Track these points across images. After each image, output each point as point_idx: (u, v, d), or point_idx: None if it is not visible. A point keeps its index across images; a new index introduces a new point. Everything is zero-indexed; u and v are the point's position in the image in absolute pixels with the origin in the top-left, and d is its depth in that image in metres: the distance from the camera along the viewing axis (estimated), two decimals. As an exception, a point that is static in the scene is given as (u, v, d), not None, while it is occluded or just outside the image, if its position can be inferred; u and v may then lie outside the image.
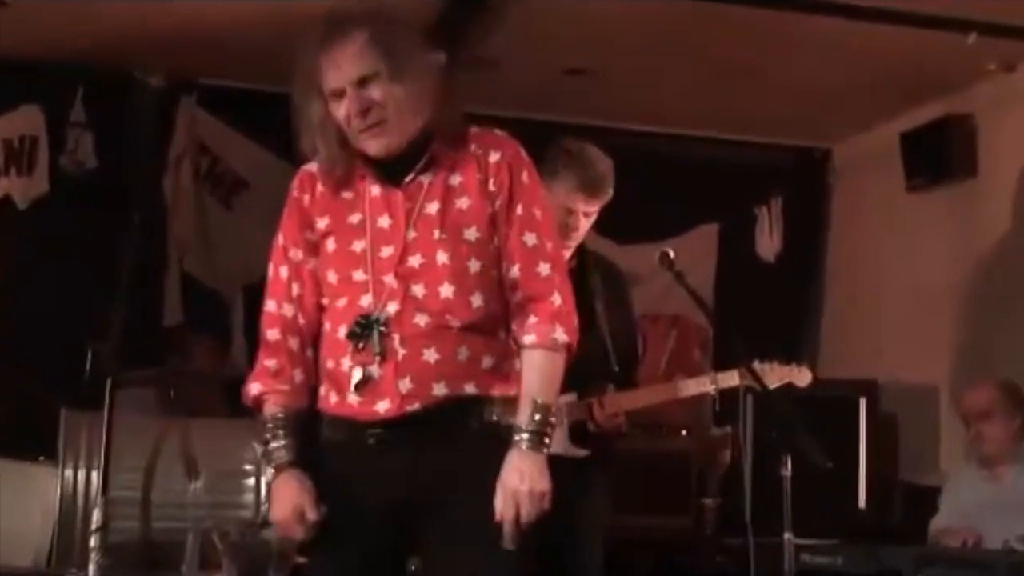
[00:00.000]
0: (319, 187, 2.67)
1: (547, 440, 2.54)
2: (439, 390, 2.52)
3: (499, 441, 2.54)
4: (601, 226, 3.96)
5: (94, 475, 3.30)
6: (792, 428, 3.11)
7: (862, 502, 5.65)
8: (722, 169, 6.78)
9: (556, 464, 3.54)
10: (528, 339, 2.59)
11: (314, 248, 2.66)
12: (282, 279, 2.69)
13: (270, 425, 2.62)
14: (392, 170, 2.60)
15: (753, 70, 5.82)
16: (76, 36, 5.53)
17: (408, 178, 2.60)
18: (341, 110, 2.54)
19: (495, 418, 2.58)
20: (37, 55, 5.72)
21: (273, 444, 2.61)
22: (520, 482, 2.48)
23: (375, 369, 2.52)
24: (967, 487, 4.65)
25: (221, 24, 5.33)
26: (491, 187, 2.61)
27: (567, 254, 3.78)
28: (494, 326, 2.61)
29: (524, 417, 2.53)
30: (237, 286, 5.99)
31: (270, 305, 2.69)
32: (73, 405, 3.68)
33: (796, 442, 3.09)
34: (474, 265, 2.58)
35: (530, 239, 2.62)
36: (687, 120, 6.71)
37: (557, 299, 2.61)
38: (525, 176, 2.66)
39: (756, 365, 3.62)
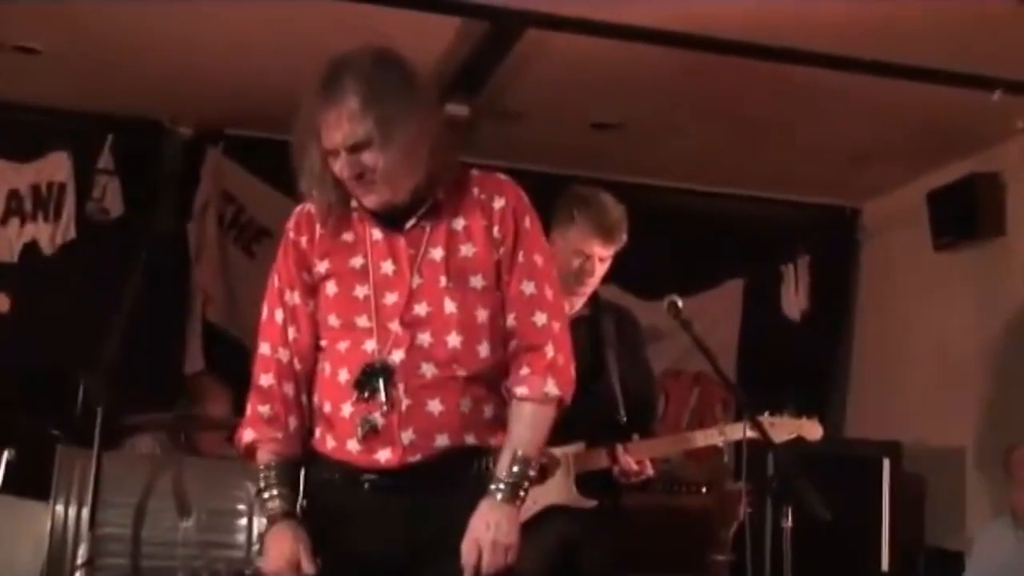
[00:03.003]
0: (318, 228, 2.63)
1: (522, 493, 2.49)
2: (441, 441, 2.49)
3: None
4: (625, 281, 3.92)
5: (85, 511, 3.28)
6: (791, 479, 3.05)
7: (885, 565, 5.54)
8: (749, 226, 6.76)
9: (563, 514, 3.57)
10: (520, 391, 2.55)
11: (312, 290, 2.62)
12: (277, 322, 2.64)
13: (263, 474, 2.58)
14: (393, 216, 2.57)
15: (781, 127, 5.80)
16: (106, 85, 5.59)
17: (410, 223, 2.56)
18: (336, 166, 2.50)
19: (491, 468, 2.54)
20: (67, 102, 5.81)
21: (266, 494, 2.57)
22: (486, 531, 2.44)
23: (378, 418, 2.48)
24: (999, 546, 4.56)
25: (249, 75, 5.37)
26: (496, 234, 2.57)
27: (582, 300, 3.77)
28: (497, 375, 2.57)
29: (503, 467, 2.50)
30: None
31: (264, 348, 2.65)
32: (71, 442, 3.67)
33: (796, 492, 3.04)
34: (481, 314, 2.55)
35: (528, 288, 2.58)
36: (714, 176, 6.70)
37: (550, 350, 2.56)
38: (528, 222, 2.62)
39: (766, 418, 3.58)
